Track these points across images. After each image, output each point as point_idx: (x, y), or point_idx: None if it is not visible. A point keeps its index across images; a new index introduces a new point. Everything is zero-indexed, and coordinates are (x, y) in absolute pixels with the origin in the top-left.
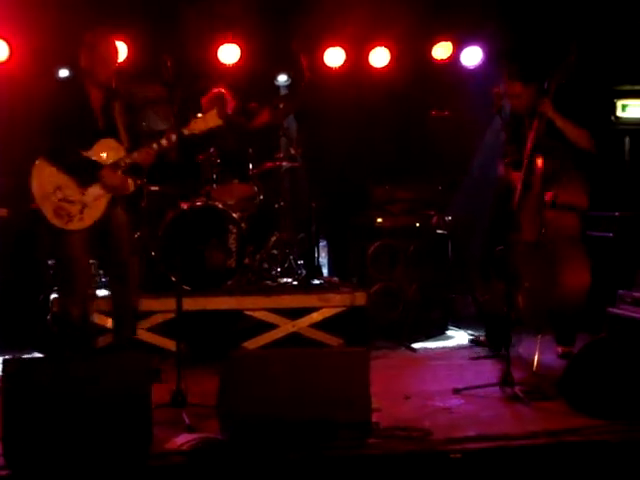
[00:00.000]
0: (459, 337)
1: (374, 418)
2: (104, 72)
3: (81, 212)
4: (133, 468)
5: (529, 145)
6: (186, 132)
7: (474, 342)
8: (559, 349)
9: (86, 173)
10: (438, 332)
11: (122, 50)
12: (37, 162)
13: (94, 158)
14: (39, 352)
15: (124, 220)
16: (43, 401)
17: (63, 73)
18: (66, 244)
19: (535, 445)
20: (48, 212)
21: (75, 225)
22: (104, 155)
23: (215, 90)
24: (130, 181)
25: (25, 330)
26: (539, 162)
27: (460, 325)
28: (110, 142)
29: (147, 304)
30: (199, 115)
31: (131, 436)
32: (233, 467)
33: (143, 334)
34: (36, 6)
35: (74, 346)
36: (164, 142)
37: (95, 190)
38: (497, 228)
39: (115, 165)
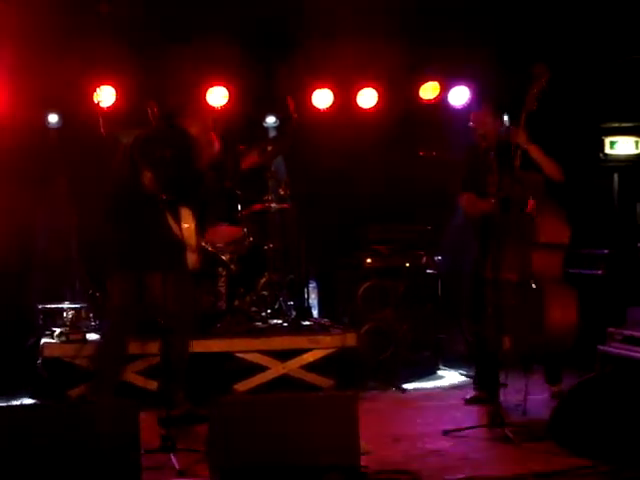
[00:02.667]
0: (450, 377)
1: (363, 461)
2: None
3: None
4: None
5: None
6: None
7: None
8: (552, 389)
9: None
10: (429, 372)
11: (110, 94)
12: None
13: None
14: (30, 398)
15: None
16: (31, 447)
17: (52, 119)
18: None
19: None
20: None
21: None
22: None
23: None
24: None
25: (15, 376)
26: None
27: (451, 365)
28: None
29: (134, 347)
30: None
31: None
32: None
33: (132, 377)
34: (23, 50)
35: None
36: None
37: None
38: (479, 269)
39: None
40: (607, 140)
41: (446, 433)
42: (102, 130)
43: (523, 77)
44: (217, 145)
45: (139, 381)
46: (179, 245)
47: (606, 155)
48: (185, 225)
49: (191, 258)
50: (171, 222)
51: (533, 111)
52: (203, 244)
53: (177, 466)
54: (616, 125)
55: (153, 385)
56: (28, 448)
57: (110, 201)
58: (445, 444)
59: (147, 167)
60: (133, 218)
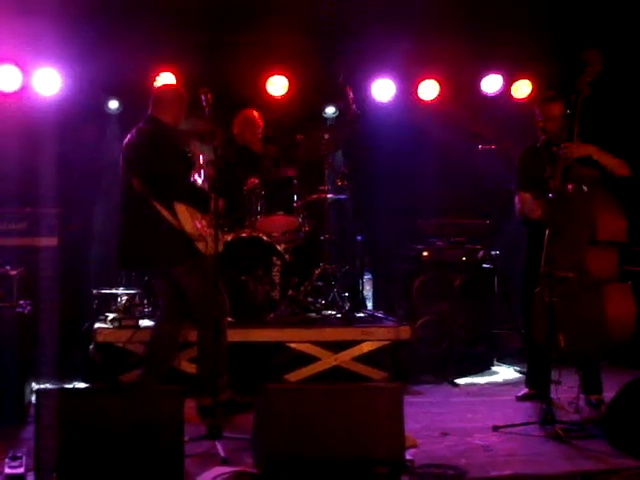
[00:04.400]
0: (504, 373)
1: (409, 455)
2: None
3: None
4: None
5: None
6: None
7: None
8: (590, 398)
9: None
10: (483, 367)
11: (171, 81)
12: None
13: None
14: (83, 382)
15: None
16: (75, 433)
17: (113, 105)
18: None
19: None
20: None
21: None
22: None
23: (246, 112)
24: None
25: (69, 360)
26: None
27: (505, 361)
28: None
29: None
30: None
31: (162, 469)
32: None
33: (185, 364)
34: (80, 38)
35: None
36: None
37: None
38: (533, 265)
39: None
40: None
41: (496, 429)
42: None
43: (575, 65)
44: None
45: (191, 369)
46: (183, 238)
47: None
48: (180, 216)
49: (201, 246)
50: (169, 217)
51: (586, 99)
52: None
53: (222, 454)
54: None
55: None
56: (75, 432)
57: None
58: (494, 440)
59: (133, 173)
60: (130, 219)
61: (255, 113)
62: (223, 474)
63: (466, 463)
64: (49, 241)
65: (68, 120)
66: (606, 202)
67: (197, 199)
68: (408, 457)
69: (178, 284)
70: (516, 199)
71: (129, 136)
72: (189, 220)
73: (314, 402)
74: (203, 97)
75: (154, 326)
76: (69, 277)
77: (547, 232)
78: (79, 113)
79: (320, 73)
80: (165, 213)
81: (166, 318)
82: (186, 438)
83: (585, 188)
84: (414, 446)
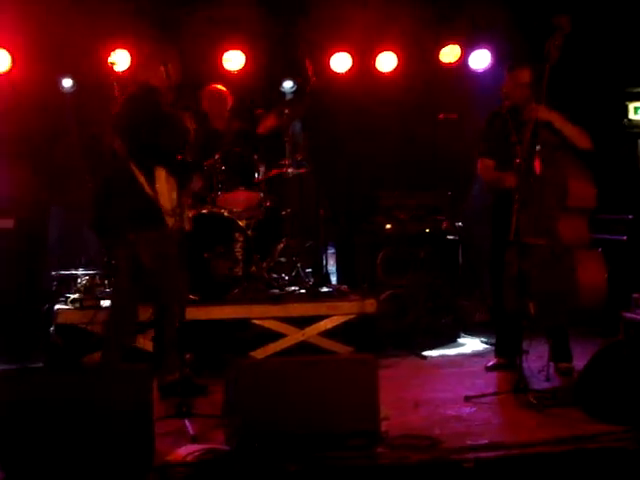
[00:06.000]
0: (471, 344)
1: (383, 427)
2: None
3: None
4: None
5: (526, 146)
6: None
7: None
8: (559, 366)
9: None
10: (449, 339)
11: (125, 58)
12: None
13: None
14: (44, 364)
15: None
16: (41, 413)
17: (67, 83)
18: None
19: (549, 453)
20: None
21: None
22: None
23: (214, 86)
24: None
25: (30, 343)
26: (537, 165)
27: (472, 332)
28: None
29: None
30: None
31: (132, 448)
32: (239, 478)
33: (147, 344)
34: (38, 15)
35: None
36: None
37: None
38: (501, 233)
39: None
40: (631, 105)
41: (468, 399)
42: (116, 94)
43: (544, 31)
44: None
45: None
46: (152, 206)
47: (630, 121)
48: (157, 186)
49: (169, 220)
50: (145, 185)
51: (553, 66)
52: (209, 208)
53: (191, 432)
54: None
55: None
56: (40, 414)
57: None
58: (466, 410)
59: (116, 134)
60: (106, 182)
61: (219, 87)
62: (194, 452)
63: (441, 433)
64: (5, 223)
65: (20, 100)
66: (575, 168)
67: (181, 170)
68: (382, 429)
69: (138, 257)
70: (479, 164)
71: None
72: (165, 192)
73: (286, 376)
74: (164, 70)
75: (111, 305)
76: (27, 259)
77: (515, 199)
78: (32, 92)
79: (277, 47)
80: (142, 180)
81: (123, 293)
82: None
83: (554, 154)
84: (387, 418)
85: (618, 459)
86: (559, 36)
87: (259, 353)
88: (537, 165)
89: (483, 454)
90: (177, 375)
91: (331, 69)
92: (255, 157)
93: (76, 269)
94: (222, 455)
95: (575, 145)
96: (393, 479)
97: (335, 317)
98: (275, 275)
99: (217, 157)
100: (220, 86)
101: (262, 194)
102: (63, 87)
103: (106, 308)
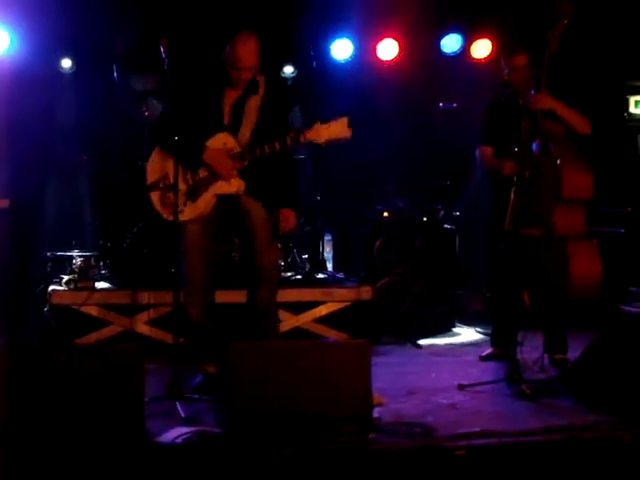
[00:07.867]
0: (466, 334)
1: (376, 413)
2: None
3: (185, 203)
4: (125, 462)
5: (524, 135)
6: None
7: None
8: (554, 357)
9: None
10: (445, 328)
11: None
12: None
13: None
14: (36, 344)
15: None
16: (31, 392)
17: (66, 63)
18: (182, 237)
19: (542, 442)
20: (156, 203)
21: (185, 216)
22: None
23: None
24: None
25: (23, 323)
26: (535, 154)
27: (467, 321)
28: (225, 137)
29: (145, 297)
30: (325, 124)
31: (123, 429)
32: (229, 461)
33: (141, 327)
34: None
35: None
36: (289, 141)
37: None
38: (498, 223)
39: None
40: (632, 99)
41: (461, 388)
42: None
43: (545, 20)
44: None
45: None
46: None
47: (630, 114)
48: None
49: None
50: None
51: (555, 59)
52: None
53: (182, 414)
54: None
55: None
56: (29, 392)
57: None
58: (460, 398)
59: None
60: None
61: None
62: (184, 434)
63: (433, 421)
64: (0, 203)
65: (19, 81)
66: (573, 158)
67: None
68: (375, 415)
69: None
70: (477, 152)
71: None
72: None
73: (279, 359)
74: (162, 48)
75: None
76: (22, 240)
77: (512, 189)
78: (30, 73)
79: (278, 33)
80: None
81: None
82: (146, 399)
83: (552, 144)
84: (380, 404)
85: (610, 449)
86: (560, 25)
87: None
88: (535, 155)
89: (475, 442)
90: None
91: (332, 56)
92: None
93: (71, 250)
94: (212, 437)
95: (575, 131)
96: (384, 465)
97: (330, 304)
98: None
99: None
100: None
101: None
102: (62, 68)
103: (100, 290)
